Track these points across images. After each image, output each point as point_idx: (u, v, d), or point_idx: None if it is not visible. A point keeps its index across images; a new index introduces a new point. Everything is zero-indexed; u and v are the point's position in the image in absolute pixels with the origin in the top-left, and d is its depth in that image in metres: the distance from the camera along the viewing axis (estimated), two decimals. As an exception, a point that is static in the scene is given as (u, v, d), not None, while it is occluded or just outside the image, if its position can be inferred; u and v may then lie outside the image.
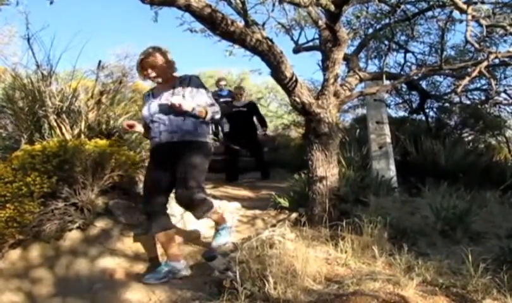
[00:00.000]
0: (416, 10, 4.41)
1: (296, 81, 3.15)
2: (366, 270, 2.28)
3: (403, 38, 5.20)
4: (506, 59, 3.55)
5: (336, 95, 3.50)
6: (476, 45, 2.90)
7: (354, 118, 8.17)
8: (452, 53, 5.18)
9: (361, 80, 4.11)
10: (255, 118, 6.30)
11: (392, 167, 4.41)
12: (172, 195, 2.69)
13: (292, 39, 4.94)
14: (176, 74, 2.80)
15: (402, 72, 5.11)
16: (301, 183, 3.87)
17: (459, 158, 4.86)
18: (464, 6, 2.60)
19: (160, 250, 2.80)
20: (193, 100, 2.63)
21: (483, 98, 5.66)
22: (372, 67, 7.65)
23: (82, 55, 3.74)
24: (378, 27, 4.73)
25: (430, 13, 4.48)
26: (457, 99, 5.53)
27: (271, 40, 2.97)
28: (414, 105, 6.37)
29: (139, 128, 2.80)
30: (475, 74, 2.90)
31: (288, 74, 3.09)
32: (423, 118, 6.25)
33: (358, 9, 4.55)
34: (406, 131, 5.74)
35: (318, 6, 2.95)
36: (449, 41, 5.39)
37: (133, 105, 4.21)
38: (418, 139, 5.23)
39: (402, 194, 4.00)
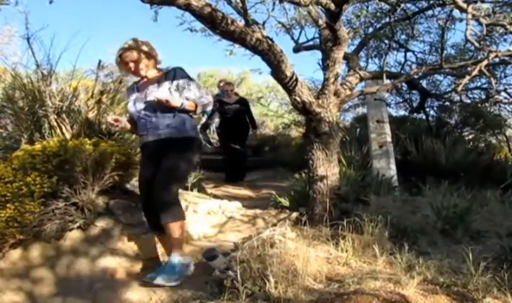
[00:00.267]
0: (417, 9, 4.41)
1: (297, 80, 3.15)
2: (367, 269, 2.28)
3: (403, 37, 5.20)
4: (506, 58, 3.54)
5: (336, 94, 3.50)
6: (477, 44, 2.89)
7: (354, 117, 8.16)
8: (453, 52, 5.19)
9: (361, 79, 4.11)
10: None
11: (393, 166, 4.41)
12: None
13: (292, 38, 4.96)
14: (160, 66, 2.74)
15: (402, 71, 5.10)
16: (302, 182, 3.87)
17: (460, 157, 4.86)
18: (464, 5, 2.61)
19: (160, 249, 2.79)
20: (181, 95, 2.58)
21: (483, 96, 5.66)
22: (372, 66, 7.61)
23: (82, 54, 3.76)
24: (378, 26, 4.73)
25: (430, 12, 4.50)
26: (457, 98, 5.51)
27: (271, 39, 2.97)
28: (414, 104, 6.35)
29: (124, 123, 2.65)
30: (475, 73, 2.89)
31: (288, 74, 3.09)
32: (424, 117, 6.24)
33: (358, 8, 4.56)
34: (407, 130, 5.74)
35: (318, 5, 2.95)
36: (449, 40, 5.38)
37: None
38: (419, 138, 5.23)
39: (403, 193, 4.00)
